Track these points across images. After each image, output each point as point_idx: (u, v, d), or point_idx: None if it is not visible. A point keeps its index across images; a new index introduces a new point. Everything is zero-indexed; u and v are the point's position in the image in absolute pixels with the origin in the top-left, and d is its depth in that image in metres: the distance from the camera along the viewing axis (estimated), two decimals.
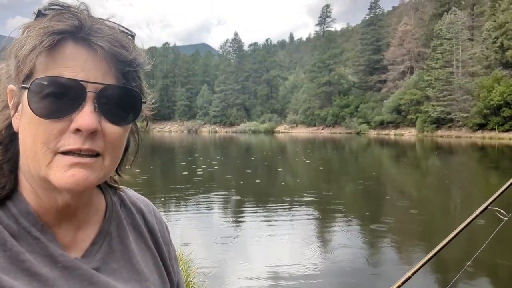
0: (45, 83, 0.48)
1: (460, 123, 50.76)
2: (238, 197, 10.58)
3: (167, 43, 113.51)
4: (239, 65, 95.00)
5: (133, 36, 0.56)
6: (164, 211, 8.93)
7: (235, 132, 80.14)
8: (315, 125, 73.75)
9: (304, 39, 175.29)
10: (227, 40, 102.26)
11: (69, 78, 0.49)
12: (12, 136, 0.55)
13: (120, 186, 0.71)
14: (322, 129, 71.29)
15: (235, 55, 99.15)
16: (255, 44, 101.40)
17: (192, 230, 7.26)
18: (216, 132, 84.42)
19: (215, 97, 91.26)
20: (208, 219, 8.10)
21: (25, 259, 0.50)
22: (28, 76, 0.50)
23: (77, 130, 0.50)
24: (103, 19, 0.53)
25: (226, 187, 12.04)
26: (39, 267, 0.50)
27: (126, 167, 0.68)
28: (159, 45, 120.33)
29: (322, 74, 74.03)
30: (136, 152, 0.68)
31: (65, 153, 0.50)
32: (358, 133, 61.81)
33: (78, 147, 0.50)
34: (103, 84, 0.51)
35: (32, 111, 0.49)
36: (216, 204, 9.55)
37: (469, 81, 51.56)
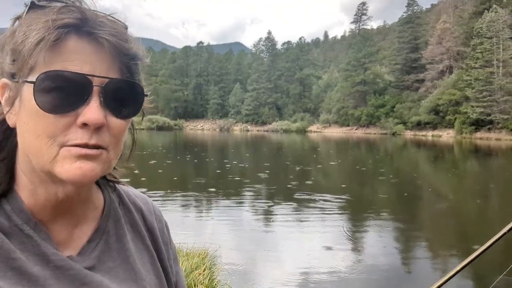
0: (52, 77, 0.48)
1: (500, 125, 48.38)
2: (269, 196, 10.52)
3: (201, 42, 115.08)
4: (272, 63, 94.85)
5: (126, 28, 0.55)
6: (196, 208, 9.01)
7: (267, 131, 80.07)
8: (348, 125, 72.50)
9: (339, 37, 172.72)
10: (260, 38, 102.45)
11: (75, 72, 0.49)
12: (5, 133, 0.54)
13: (121, 180, 0.70)
14: (356, 129, 69.96)
15: (268, 54, 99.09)
16: (289, 42, 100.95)
17: (222, 227, 7.27)
18: (247, 130, 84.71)
19: (247, 95, 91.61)
20: (238, 217, 8.08)
21: (16, 257, 0.49)
22: (31, 70, 0.49)
23: (84, 125, 0.49)
24: (104, 14, 0.52)
25: (257, 186, 12.01)
26: (30, 266, 0.50)
27: (124, 165, 0.66)
28: (193, 44, 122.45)
29: (357, 73, 72.66)
30: (132, 146, 0.66)
31: (72, 146, 0.50)
32: (393, 134, 60.16)
33: (85, 142, 0.50)
34: (108, 78, 0.51)
35: (38, 105, 0.48)
36: (247, 202, 9.53)
37: (510, 81, 49.03)
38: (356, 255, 5.75)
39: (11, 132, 0.53)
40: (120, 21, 0.55)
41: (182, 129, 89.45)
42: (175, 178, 13.27)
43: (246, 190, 11.11)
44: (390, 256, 5.75)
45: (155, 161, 18.69)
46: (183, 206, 9.23)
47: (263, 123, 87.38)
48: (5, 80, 0.51)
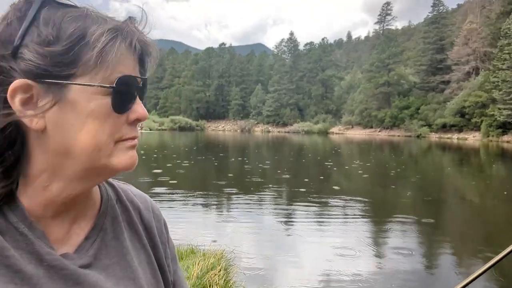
0: (125, 81, 0.52)
1: None
2: (289, 198, 10.48)
3: (223, 44, 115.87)
4: (294, 64, 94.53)
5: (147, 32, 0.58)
6: (215, 209, 9.06)
7: (288, 132, 79.82)
8: (371, 127, 71.43)
9: (362, 37, 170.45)
10: (282, 39, 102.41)
11: (135, 76, 0.54)
12: (16, 137, 0.53)
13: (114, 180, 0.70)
14: (379, 131, 68.85)
15: (290, 55, 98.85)
16: (311, 43, 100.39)
17: (240, 228, 7.27)
18: (269, 131, 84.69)
19: (268, 96, 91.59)
20: (257, 218, 8.04)
21: (10, 255, 0.49)
22: (83, 73, 0.50)
23: (135, 120, 0.55)
24: (133, 18, 0.55)
25: (277, 187, 11.98)
26: (24, 264, 0.50)
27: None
28: (216, 45, 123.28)
29: (381, 74, 71.54)
30: None
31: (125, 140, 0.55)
32: (418, 136, 58.85)
33: (134, 135, 0.55)
34: (142, 78, 0.56)
35: (113, 107, 0.52)
36: (267, 204, 9.50)
37: None
38: (378, 260, 5.65)
39: (21, 137, 0.53)
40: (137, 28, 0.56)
41: (204, 129, 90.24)
42: (196, 178, 13.39)
43: (266, 192, 11.10)
44: (413, 261, 5.62)
45: (180, 161, 18.92)
46: (202, 205, 9.30)
47: (284, 124, 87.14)
48: (26, 81, 0.49)
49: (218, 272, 3.79)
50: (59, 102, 0.50)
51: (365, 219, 8.16)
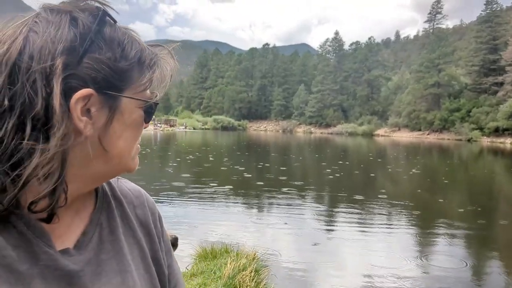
0: (153, 100, 0.59)
1: None
2: (331, 201, 10.28)
3: (267, 44, 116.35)
4: (339, 64, 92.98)
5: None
6: (254, 208, 9.05)
7: (331, 133, 78.57)
8: (420, 130, 68.65)
9: (411, 37, 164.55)
10: (327, 39, 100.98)
11: (156, 101, 0.60)
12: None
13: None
14: (427, 134, 66.04)
15: (334, 55, 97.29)
16: (357, 43, 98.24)
17: (277, 230, 7.21)
18: (311, 132, 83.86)
19: (311, 97, 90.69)
20: (296, 221, 7.90)
21: (6, 254, 0.49)
22: (129, 87, 0.56)
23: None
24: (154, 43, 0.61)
25: (319, 190, 11.79)
26: (20, 264, 0.50)
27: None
28: (259, 46, 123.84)
29: (430, 74, 68.63)
30: None
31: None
32: (468, 140, 55.79)
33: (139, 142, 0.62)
34: (156, 103, 0.61)
35: (145, 119, 0.59)
36: (307, 206, 9.37)
37: None
38: (424, 269, 5.36)
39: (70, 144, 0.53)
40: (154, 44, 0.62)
41: (246, 129, 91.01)
42: (237, 177, 13.45)
43: (308, 193, 10.94)
44: (461, 271, 5.30)
45: (221, 159, 19.14)
46: (241, 205, 9.32)
47: (327, 125, 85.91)
48: (91, 91, 0.52)
49: (250, 273, 3.73)
50: (114, 112, 0.55)
51: (410, 225, 7.81)
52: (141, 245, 0.67)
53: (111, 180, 0.70)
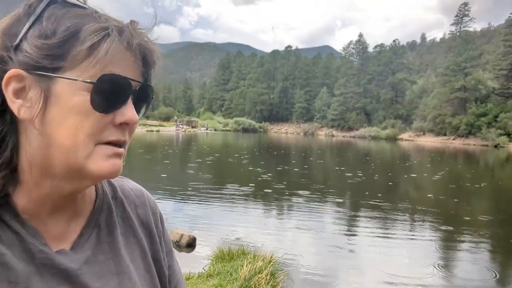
0: (108, 79, 0.51)
1: None
2: (353, 205, 10.12)
3: (289, 46, 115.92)
4: (362, 67, 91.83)
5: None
6: (274, 211, 9.00)
7: (353, 137, 77.54)
8: (445, 134, 66.92)
9: (437, 39, 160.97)
10: (350, 41, 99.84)
11: (125, 77, 0.52)
12: (8, 127, 0.52)
13: None
14: (453, 139, 64.30)
15: (358, 57, 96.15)
16: (381, 45, 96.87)
17: (296, 233, 7.14)
18: (333, 136, 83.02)
19: (334, 100, 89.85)
20: (316, 224, 7.79)
21: (2, 252, 0.49)
22: (72, 68, 0.50)
23: (122, 124, 0.53)
24: (133, 21, 0.55)
25: (340, 194, 11.64)
26: (16, 262, 0.50)
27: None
28: (282, 48, 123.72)
29: (457, 78, 66.90)
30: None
31: (105, 143, 0.53)
32: (495, 146, 53.99)
33: (119, 138, 0.53)
34: (140, 82, 0.55)
35: (93, 105, 0.50)
36: (328, 210, 9.24)
37: None
38: (447, 279, 5.18)
39: (14, 126, 0.53)
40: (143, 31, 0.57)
41: (266, 131, 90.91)
42: (258, 179, 13.42)
43: (328, 197, 10.81)
44: (488, 282, 5.11)
45: (246, 162, 19.17)
46: (261, 207, 9.28)
47: (350, 128, 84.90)
48: (20, 71, 0.50)
49: (266, 276, 3.69)
50: (46, 94, 0.51)
51: (433, 233, 7.58)
52: (142, 245, 0.67)
53: (113, 179, 0.69)
